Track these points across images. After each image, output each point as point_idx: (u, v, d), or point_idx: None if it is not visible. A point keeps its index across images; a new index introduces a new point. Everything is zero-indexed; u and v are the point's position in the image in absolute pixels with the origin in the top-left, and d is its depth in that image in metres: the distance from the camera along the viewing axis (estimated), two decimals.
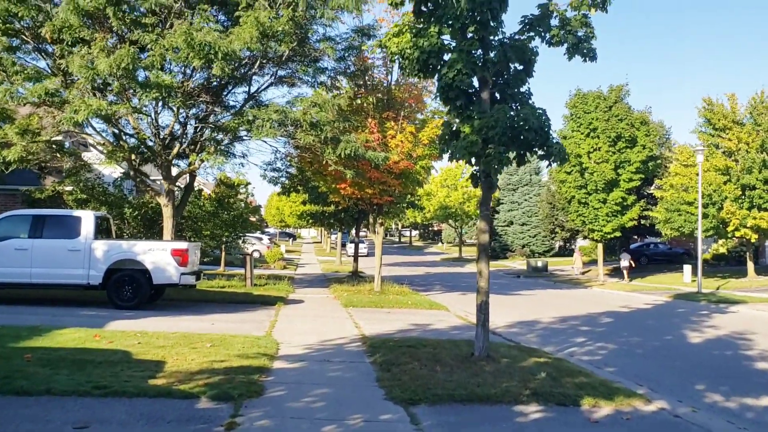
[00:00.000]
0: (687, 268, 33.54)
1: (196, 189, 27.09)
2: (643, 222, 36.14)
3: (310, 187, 29.07)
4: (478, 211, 40.36)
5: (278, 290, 21.03)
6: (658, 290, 28.88)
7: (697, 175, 31.15)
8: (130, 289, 14.74)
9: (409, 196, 28.19)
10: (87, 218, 14.97)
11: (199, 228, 24.62)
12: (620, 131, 32.38)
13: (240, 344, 9.86)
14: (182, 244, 15.25)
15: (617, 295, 27.22)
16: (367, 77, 21.57)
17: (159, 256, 14.84)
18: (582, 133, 33.67)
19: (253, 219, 40.77)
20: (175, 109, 17.98)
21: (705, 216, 29.39)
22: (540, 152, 8.71)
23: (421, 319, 15.27)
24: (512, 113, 8.49)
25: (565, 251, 59.73)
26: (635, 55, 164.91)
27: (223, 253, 31.86)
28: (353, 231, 55.21)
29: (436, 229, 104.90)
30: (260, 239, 51.97)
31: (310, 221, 48.81)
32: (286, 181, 25.74)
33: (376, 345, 10.43)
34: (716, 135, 32.70)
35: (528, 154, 8.78)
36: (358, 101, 21.01)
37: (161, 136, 19.07)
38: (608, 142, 32.53)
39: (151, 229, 23.29)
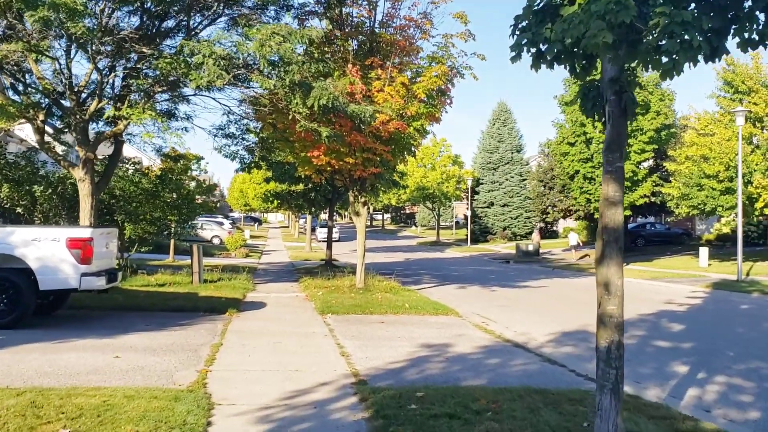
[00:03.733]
0: (703, 251, 29.64)
1: (135, 162, 22.09)
2: (653, 199, 31.99)
3: (274, 162, 24.19)
4: (456, 192, 34.76)
5: (233, 288, 16.36)
6: (680, 277, 24.87)
7: (722, 142, 27.30)
8: (4, 299, 9.97)
9: (392, 171, 23.34)
10: None
11: (134, 210, 19.62)
12: None
13: (134, 419, 5.24)
14: (83, 232, 10.44)
15: (638, 284, 23.04)
16: (344, 15, 16.82)
17: (49, 250, 10.05)
18: None
19: (212, 201, 35.57)
20: (89, 49, 13.26)
21: (732, 191, 25.45)
22: (754, 30, 4.07)
23: (431, 333, 10.78)
24: None
25: (547, 233, 55.87)
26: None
27: (172, 241, 26.95)
28: (322, 214, 50.74)
29: (408, 212, 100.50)
30: (221, 224, 46.91)
31: (276, 203, 43.81)
32: (246, 154, 20.61)
33: (386, 410, 5.88)
34: (738, 99, 28.67)
35: (730, 32, 4.15)
36: (336, 43, 16.29)
37: (74, 89, 14.28)
38: None
39: (72, 211, 18.30)
